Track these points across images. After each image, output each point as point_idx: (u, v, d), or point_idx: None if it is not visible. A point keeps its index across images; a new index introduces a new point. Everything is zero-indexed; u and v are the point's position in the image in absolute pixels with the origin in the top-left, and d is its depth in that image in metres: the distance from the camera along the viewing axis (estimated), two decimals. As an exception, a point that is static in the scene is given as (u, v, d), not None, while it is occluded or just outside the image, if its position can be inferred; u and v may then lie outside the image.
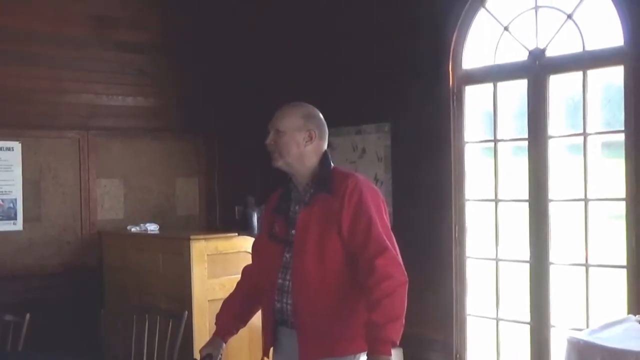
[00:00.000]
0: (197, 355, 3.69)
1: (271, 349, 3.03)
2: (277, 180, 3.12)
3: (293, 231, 2.89)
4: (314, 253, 2.81)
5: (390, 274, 2.71)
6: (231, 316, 3.10)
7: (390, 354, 2.64)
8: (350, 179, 2.85)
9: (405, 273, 2.76)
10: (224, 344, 3.06)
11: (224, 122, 6.04)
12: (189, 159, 5.98)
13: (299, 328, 2.84)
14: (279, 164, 2.91)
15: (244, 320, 3.14)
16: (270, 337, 2.97)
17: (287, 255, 2.90)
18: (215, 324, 3.12)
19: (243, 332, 3.22)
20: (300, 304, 2.83)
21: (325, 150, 2.98)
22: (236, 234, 4.92)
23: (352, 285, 2.81)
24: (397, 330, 2.68)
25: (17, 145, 5.14)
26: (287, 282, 2.87)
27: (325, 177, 2.90)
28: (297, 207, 2.94)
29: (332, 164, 2.98)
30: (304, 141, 2.90)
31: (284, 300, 2.88)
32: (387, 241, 2.78)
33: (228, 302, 3.16)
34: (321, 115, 2.98)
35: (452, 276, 4.84)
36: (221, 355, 3.03)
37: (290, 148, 2.88)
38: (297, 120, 2.91)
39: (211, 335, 3.12)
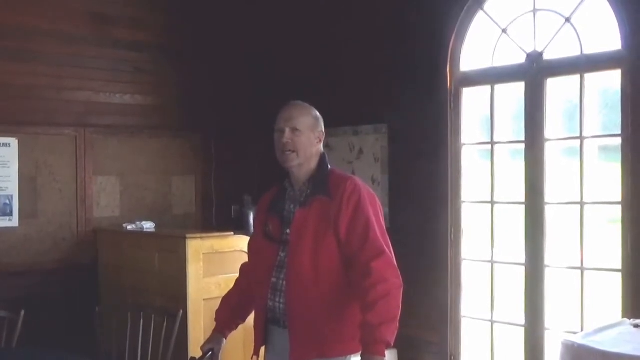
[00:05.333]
0: (193, 353, 3.71)
1: (262, 348, 3.03)
2: (274, 180, 3.12)
3: (288, 230, 2.90)
4: (309, 253, 2.81)
5: (386, 277, 2.73)
6: (230, 312, 3.13)
7: (384, 355, 2.65)
8: (348, 182, 2.86)
9: (400, 277, 2.78)
10: (224, 339, 3.10)
11: (221, 121, 6.04)
12: (186, 158, 5.98)
13: (291, 328, 2.85)
14: (295, 163, 2.90)
15: (242, 315, 3.16)
16: (261, 336, 2.98)
17: (282, 255, 2.90)
18: (215, 319, 3.15)
19: (238, 331, 3.24)
20: (294, 303, 2.83)
21: (323, 152, 2.99)
22: (232, 233, 4.92)
23: (346, 286, 2.82)
24: (391, 332, 2.69)
25: (14, 142, 5.13)
26: (281, 282, 2.88)
27: (323, 178, 2.91)
28: (292, 207, 2.94)
29: (329, 165, 2.99)
30: (315, 141, 2.93)
31: (277, 299, 2.88)
32: (384, 245, 2.80)
33: (227, 298, 3.19)
34: None
35: (448, 278, 4.85)
36: (222, 350, 3.07)
37: (306, 148, 2.89)
38: (312, 121, 2.93)
39: (210, 332, 3.15)
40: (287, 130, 2.88)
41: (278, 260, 2.91)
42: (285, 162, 2.90)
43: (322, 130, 2.96)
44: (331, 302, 2.82)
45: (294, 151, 2.87)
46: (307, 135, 2.89)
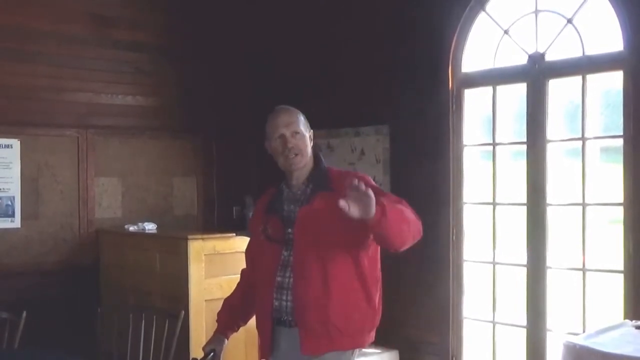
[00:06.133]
0: (195, 354, 3.72)
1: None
2: (274, 180, 3.13)
3: (290, 230, 2.92)
4: (315, 249, 2.83)
5: (409, 211, 2.72)
6: (232, 313, 3.17)
7: (373, 216, 2.48)
8: (351, 174, 2.92)
9: (421, 224, 2.75)
10: (226, 340, 3.13)
11: (222, 122, 6.05)
12: (188, 159, 5.98)
13: (300, 323, 2.86)
14: (302, 165, 2.96)
15: (244, 317, 3.18)
16: (270, 338, 2.98)
17: (285, 254, 2.92)
18: (217, 321, 3.18)
19: (239, 332, 3.25)
20: (302, 299, 2.85)
21: (319, 153, 3.06)
22: (234, 234, 4.92)
23: (353, 280, 2.85)
24: (394, 212, 2.57)
25: (15, 143, 5.14)
26: (287, 280, 2.89)
27: (322, 175, 2.96)
28: (292, 207, 2.97)
29: (324, 163, 3.04)
30: (310, 141, 3.01)
31: (284, 297, 2.90)
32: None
33: (228, 300, 3.22)
34: None
35: (449, 279, 4.84)
36: (223, 351, 3.10)
37: (307, 148, 2.98)
38: (304, 121, 3.01)
39: (212, 333, 3.17)
40: (289, 135, 2.93)
41: (282, 260, 2.92)
42: (292, 165, 2.94)
43: (310, 130, 3.04)
44: (339, 296, 2.84)
45: (298, 154, 2.93)
46: (305, 136, 2.97)
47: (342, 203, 2.43)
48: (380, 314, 2.97)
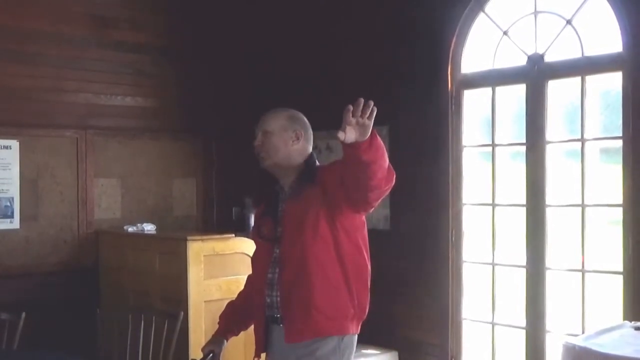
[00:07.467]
0: (194, 355, 3.73)
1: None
2: (274, 182, 3.13)
3: (280, 228, 2.95)
4: (300, 240, 2.85)
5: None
6: (234, 316, 3.18)
7: (366, 138, 2.56)
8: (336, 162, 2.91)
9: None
10: (225, 342, 3.13)
11: (222, 123, 6.04)
12: (187, 160, 5.97)
13: (284, 312, 2.88)
14: (267, 164, 2.99)
15: (245, 321, 3.19)
16: (263, 336, 3.00)
17: (277, 251, 2.95)
18: (218, 323, 3.19)
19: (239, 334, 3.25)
20: (286, 291, 2.87)
21: (312, 152, 3.05)
22: (233, 235, 4.92)
23: (337, 268, 2.86)
24: (381, 145, 2.61)
25: (15, 144, 5.14)
26: (276, 275, 2.92)
27: (310, 172, 2.97)
28: (283, 206, 3.00)
29: (317, 162, 3.04)
30: (290, 141, 2.98)
31: (273, 293, 2.92)
32: None
33: (232, 304, 3.24)
34: (305, 119, 3.07)
35: (449, 280, 4.84)
36: (222, 352, 3.10)
37: (278, 148, 2.96)
38: (283, 121, 2.99)
39: (211, 334, 3.18)
40: (259, 134, 2.98)
41: (273, 257, 2.96)
42: (260, 163, 3.00)
43: (298, 129, 3.00)
44: (323, 285, 2.84)
45: (261, 152, 2.97)
46: (278, 135, 2.96)
47: (340, 134, 2.49)
48: (366, 303, 2.95)
